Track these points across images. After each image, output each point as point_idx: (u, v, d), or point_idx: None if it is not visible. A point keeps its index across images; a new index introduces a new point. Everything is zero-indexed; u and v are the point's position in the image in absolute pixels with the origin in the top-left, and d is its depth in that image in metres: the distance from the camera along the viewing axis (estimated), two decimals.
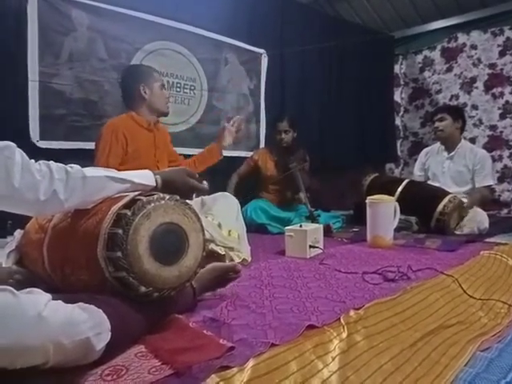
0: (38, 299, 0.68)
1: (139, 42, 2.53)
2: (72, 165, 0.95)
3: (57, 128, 2.22)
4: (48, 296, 0.70)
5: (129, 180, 1.02)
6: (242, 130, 2.36)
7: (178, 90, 2.77)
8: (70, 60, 2.25)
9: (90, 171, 0.96)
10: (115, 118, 1.97)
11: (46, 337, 0.65)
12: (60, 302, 0.71)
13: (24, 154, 0.86)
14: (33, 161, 0.88)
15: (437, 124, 2.80)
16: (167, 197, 0.96)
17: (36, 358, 0.65)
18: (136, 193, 0.98)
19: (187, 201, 1.03)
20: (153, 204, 0.91)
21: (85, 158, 1.94)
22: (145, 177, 1.07)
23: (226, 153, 3.02)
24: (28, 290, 0.71)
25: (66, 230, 0.99)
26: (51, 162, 0.91)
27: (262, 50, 3.27)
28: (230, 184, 2.95)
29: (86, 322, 0.72)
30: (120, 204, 0.92)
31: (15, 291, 0.66)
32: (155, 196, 0.94)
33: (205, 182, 1.20)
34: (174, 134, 2.61)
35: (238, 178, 3.00)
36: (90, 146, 2.01)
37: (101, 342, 0.74)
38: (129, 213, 0.88)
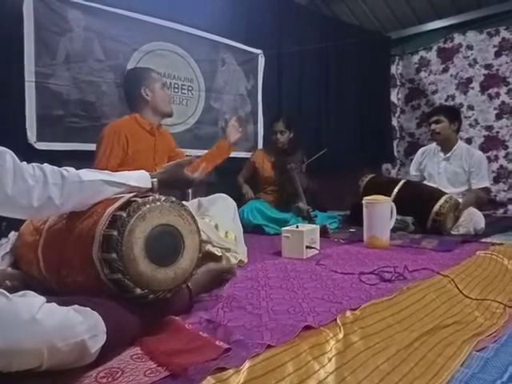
0: (31, 302, 0.67)
1: (136, 42, 2.52)
2: (67, 168, 0.94)
3: (54, 129, 2.20)
4: (42, 299, 0.70)
5: (125, 184, 1.02)
6: (244, 127, 2.35)
7: (176, 90, 2.77)
8: (67, 60, 2.24)
9: (86, 174, 0.95)
10: (118, 120, 1.98)
11: (40, 340, 0.64)
12: (54, 304, 0.71)
13: (16, 158, 0.84)
14: (25, 163, 0.87)
15: (433, 126, 2.80)
16: (163, 198, 0.95)
17: (30, 361, 0.65)
18: (131, 194, 0.98)
19: (183, 202, 1.03)
20: (148, 206, 0.91)
21: (82, 159, 1.94)
22: (141, 179, 1.07)
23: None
24: (22, 292, 0.71)
25: (62, 231, 0.99)
26: (45, 164, 0.90)
27: (259, 51, 3.27)
28: (241, 185, 2.98)
29: (81, 325, 0.71)
30: (115, 206, 0.92)
31: (8, 294, 0.66)
32: (151, 197, 0.94)
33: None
34: (173, 134, 2.60)
35: (243, 180, 3.02)
36: (88, 147, 2.01)
37: (96, 344, 0.74)
38: (124, 214, 0.88)
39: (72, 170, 0.94)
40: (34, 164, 0.88)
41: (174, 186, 1.14)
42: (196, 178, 1.21)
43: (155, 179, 1.10)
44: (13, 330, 0.62)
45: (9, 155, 0.83)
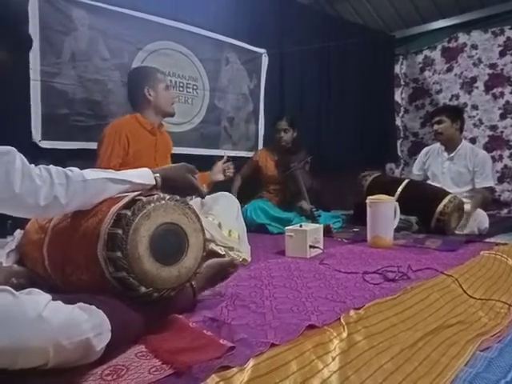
0: (37, 300, 0.68)
1: (141, 41, 2.53)
2: (71, 168, 0.95)
3: (59, 128, 2.21)
4: (48, 296, 0.70)
5: (128, 181, 1.02)
6: (230, 172, 2.27)
7: (181, 89, 2.78)
8: (72, 59, 2.24)
9: (89, 174, 0.96)
10: (119, 119, 1.99)
11: (45, 338, 0.65)
12: (60, 302, 0.71)
13: (24, 158, 0.85)
14: (33, 165, 0.88)
15: (436, 127, 2.80)
16: (167, 197, 0.96)
17: (36, 359, 0.65)
18: (136, 193, 0.98)
19: (187, 200, 1.03)
20: (153, 204, 0.91)
21: (88, 159, 1.95)
22: (144, 176, 1.07)
23: (225, 153, 3.04)
24: (28, 290, 0.71)
25: (66, 230, 0.99)
26: (51, 165, 0.91)
27: (262, 50, 3.27)
28: (234, 186, 2.96)
29: (86, 323, 0.71)
30: (120, 204, 0.92)
31: (15, 292, 0.66)
32: (155, 196, 0.94)
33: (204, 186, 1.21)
34: (179, 133, 2.61)
35: (241, 180, 3.01)
36: (93, 146, 2.02)
37: (101, 342, 0.74)
38: (129, 213, 0.88)
39: (76, 169, 0.95)
40: (40, 166, 0.89)
41: (177, 186, 1.13)
42: (199, 188, 1.20)
43: (157, 174, 1.10)
44: (19, 328, 0.63)
45: (18, 155, 0.84)
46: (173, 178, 1.13)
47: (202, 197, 1.25)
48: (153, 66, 2.19)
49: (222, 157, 2.29)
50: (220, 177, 2.22)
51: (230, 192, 2.71)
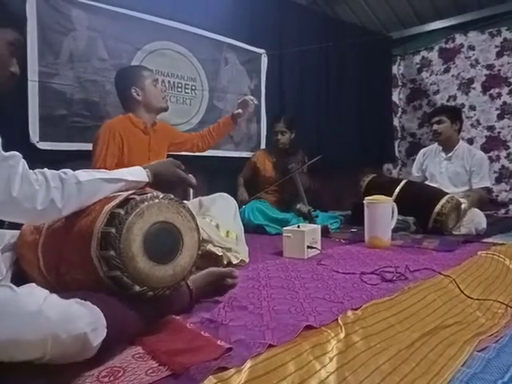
0: (36, 294, 0.69)
1: (139, 41, 2.52)
2: (65, 170, 0.95)
3: (57, 129, 2.20)
4: (46, 291, 0.71)
5: (122, 179, 1.02)
6: (250, 106, 2.35)
7: (179, 90, 2.77)
8: (71, 60, 2.23)
9: (83, 175, 0.96)
10: (112, 119, 1.98)
11: (44, 331, 0.65)
12: (57, 296, 0.72)
13: (26, 164, 0.87)
14: (30, 170, 0.88)
15: (435, 127, 2.80)
16: (161, 195, 0.95)
17: (34, 351, 0.66)
18: (129, 192, 0.97)
19: (184, 201, 1.03)
20: (146, 203, 0.91)
21: (86, 160, 1.94)
22: (137, 173, 1.07)
23: (226, 153, 3.06)
24: (26, 285, 0.72)
25: (60, 230, 0.99)
26: (45, 169, 0.92)
27: (261, 50, 3.28)
28: (239, 187, 2.96)
29: (83, 318, 0.72)
30: (113, 203, 0.91)
31: (14, 286, 0.67)
32: (149, 195, 0.93)
33: (190, 175, 1.20)
34: None
35: (243, 180, 3.01)
36: (91, 147, 2.01)
37: (97, 337, 0.74)
38: (122, 212, 0.87)
39: (69, 171, 0.95)
40: (35, 170, 0.90)
41: (166, 181, 1.13)
42: (188, 178, 1.19)
43: (148, 170, 1.10)
44: (18, 322, 0.63)
45: (22, 160, 0.86)
46: (162, 173, 1.13)
47: (193, 186, 1.24)
48: (137, 65, 2.18)
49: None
50: (240, 111, 2.31)
51: (236, 195, 2.74)
